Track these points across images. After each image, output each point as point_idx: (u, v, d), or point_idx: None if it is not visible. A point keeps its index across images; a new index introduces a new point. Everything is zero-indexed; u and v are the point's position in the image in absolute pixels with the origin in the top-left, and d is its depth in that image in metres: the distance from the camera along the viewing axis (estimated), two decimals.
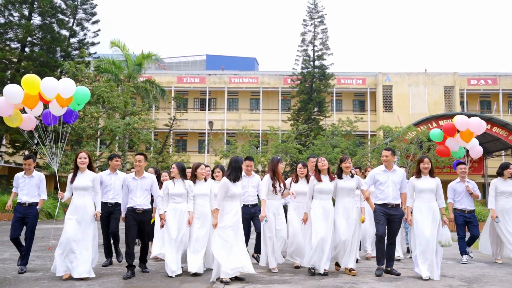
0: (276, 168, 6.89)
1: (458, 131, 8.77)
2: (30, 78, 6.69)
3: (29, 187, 6.60)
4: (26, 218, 6.52)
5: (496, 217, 7.68)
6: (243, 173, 6.80)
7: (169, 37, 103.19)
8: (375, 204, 6.51)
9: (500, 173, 7.87)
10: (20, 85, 6.74)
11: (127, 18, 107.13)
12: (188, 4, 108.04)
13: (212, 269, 6.03)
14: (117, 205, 6.94)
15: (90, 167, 6.41)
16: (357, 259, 6.90)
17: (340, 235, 6.37)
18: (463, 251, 7.77)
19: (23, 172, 6.76)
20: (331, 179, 6.52)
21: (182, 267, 6.40)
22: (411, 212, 6.53)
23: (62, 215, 12.19)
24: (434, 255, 6.16)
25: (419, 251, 6.23)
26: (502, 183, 7.81)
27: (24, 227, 6.61)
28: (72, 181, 6.23)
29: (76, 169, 6.28)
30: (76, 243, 5.93)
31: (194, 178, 6.60)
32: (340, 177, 6.55)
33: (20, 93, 6.66)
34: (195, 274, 6.21)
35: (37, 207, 6.65)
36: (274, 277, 6.23)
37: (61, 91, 6.77)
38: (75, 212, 6.09)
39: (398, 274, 6.36)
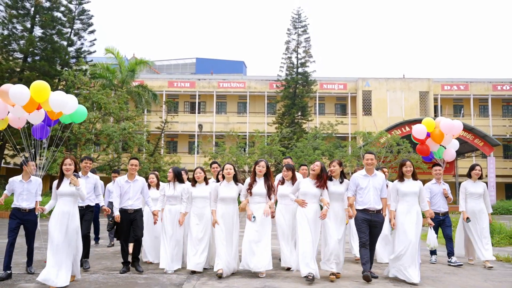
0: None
1: (429, 134, 8.93)
2: (40, 86, 6.54)
3: (28, 193, 6.44)
4: (26, 223, 6.43)
5: (467, 218, 7.62)
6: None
7: (160, 40, 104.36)
8: (356, 209, 6.31)
9: (469, 175, 7.82)
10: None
11: (118, 20, 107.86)
12: (179, 8, 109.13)
13: (209, 268, 6.76)
14: (88, 207, 6.99)
15: (76, 172, 6.26)
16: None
17: (332, 241, 6.23)
18: (432, 252, 7.87)
19: (20, 176, 6.56)
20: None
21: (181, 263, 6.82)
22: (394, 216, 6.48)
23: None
24: (416, 258, 6.13)
25: (404, 254, 6.12)
26: (471, 185, 7.71)
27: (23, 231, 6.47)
28: (57, 187, 6.03)
29: (62, 175, 6.08)
30: (62, 252, 5.72)
31: (194, 181, 6.90)
32: (330, 180, 6.42)
33: (27, 96, 6.45)
34: (193, 272, 6.52)
35: (36, 213, 6.49)
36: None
37: (66, 108, 6.83)
38: (60, 220, 5.83)
39: (375, 277, 6.33)
